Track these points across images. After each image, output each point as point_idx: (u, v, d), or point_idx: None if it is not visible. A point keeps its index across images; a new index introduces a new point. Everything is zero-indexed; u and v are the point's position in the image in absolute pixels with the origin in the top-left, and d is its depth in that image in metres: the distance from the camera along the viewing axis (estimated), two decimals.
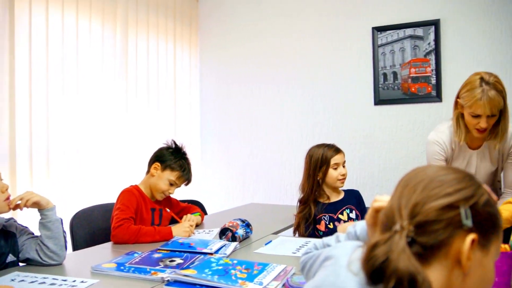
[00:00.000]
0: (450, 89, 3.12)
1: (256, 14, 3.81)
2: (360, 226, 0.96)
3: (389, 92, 3.30)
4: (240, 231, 1.84)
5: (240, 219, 1.94)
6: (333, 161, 2.08)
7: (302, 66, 3.63)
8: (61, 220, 1.61)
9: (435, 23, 3.13)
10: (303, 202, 2.13)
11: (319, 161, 2.10)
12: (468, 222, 0.70)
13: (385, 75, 3.31)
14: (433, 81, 3.15)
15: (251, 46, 3.83)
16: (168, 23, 3.57)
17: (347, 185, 2.24)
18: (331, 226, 2.08)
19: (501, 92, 1.84)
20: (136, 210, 2.06)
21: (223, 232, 1.85)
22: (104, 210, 2.22)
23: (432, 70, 3.16)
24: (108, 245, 1.91)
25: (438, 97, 3.14)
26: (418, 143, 3.24)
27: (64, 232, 1.61)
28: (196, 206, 2.42)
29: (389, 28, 3.28)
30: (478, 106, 1.85)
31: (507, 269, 1.21)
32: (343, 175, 2.10)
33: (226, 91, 3.95)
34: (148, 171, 2.20)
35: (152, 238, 1.90)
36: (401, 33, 3.24)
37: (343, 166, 2.12)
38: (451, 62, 3.12)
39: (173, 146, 2.24)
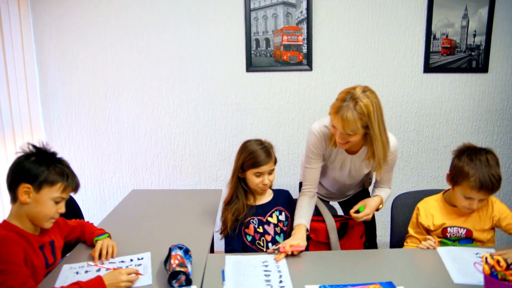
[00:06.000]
0: (320, 59, 3.23)
1: None
2: None
3: (262, 59, 3.23)
4: (189, 267, 1.60)
5: (177, 246, 1.67)
6: (256, 169, 1.93)
7: (167, 27, 3.22)
8: None
9: None
10: (229, 200, 1.99)
11: (245, 162, 1.95)
12: None
13: (257, 41, 3.21)
14: (304, 50, 3.20)
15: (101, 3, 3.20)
16: None
17: None
18: (260, 229, 2.00)
19: (362, 115, 1.70)
20: (25, 260, 1.48)
21: (173, 276, 1.52)
22: None
23: (303, 39, 3.19)
24: None
25: (308, 66, 3.22)
26: (289, 110, 3.32)
27: None
28: (92, 225, 1.93)
29: None
30: (334, 118, 1.77)
31: None
32: (265, 184, 1.96)
33: (71, 53, 3.27)
34: (14, 199, 1.56)
35: None
36: None
37: (270, 173, 1.96)
38: (321, 32, 3.19)
39: (34, 150, 1.59)
